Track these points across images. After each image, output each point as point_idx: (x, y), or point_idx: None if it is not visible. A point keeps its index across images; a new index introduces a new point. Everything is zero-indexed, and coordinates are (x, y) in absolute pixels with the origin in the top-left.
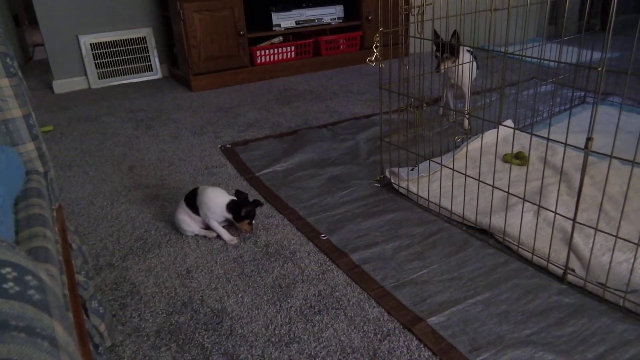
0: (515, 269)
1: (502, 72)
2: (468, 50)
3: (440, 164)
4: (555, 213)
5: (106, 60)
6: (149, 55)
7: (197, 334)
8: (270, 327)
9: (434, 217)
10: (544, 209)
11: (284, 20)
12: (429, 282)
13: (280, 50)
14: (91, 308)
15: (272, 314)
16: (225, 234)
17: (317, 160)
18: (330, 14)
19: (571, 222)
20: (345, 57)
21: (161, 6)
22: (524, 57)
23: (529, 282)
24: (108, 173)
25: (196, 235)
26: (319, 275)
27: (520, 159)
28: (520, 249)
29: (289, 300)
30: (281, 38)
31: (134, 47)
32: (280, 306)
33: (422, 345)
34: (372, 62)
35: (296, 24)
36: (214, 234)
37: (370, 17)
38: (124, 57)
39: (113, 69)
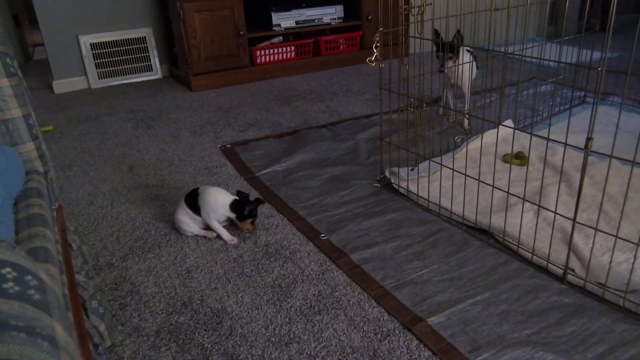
0: (515, 269)
1: (502, 72)
2: (468, 50)
3: (440, 164)
4: (555, 213)
5: (106, 60)
6: (149, 55)
7: (197, 334)
8: (270, 327)
9: (434, 217)
10: (544, 209)
11: (284, 20)
12: (429, 282)
13: (280, 50)
14: (91, 308)
15: (272, 314)
16: (225, 234)
17: (317, 160)
18: (330, 14)
19: (571, 222)
20: (345, 57)
21: (161, 6)
22: (524, 57)
23: (529, 282)
24: (108, 173)
25: (196, 235)
26: (319, 275)
27: (520, 159)
28: (520, 249)
29: (289, 300)
30: (281, 38)
31: (133, 47)
32: (280, 306)
33: (422, 345)
34: (372, 62)
35: (296, 24)
36: (214, 234)
37: (370, 17)
38: (124, 57)
39: (113, 69)
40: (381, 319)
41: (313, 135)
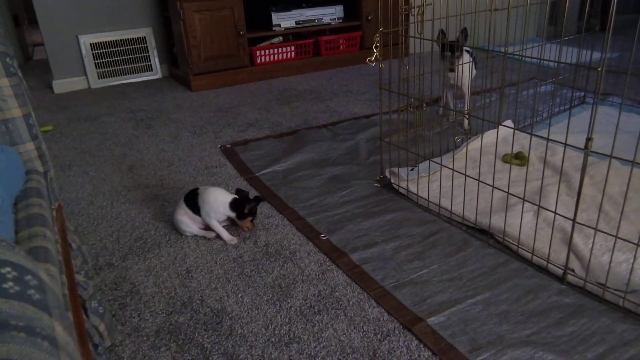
0: (515, 269)
1: (502, 72)
2: (467, 51)
3: (440, 164)
4: (555, 213)
5: (106, 60)
6: (148, 55)
7: (196, 334)
8: (270, 327)
9: (433, 217)
10: (543, 209)
11: (284, 20)
12: (428, 282)
13: (280, 50)
14: (91, 308)
15: (272, 314)
16: (225, 234)
17: (317, 160)
18: (330, 14)
19: (571, 222)
20: (345, 57)
21: (161, 6)
22: (523, 57)
23: (528, 282)
24: (108, 173)
25: (195, 235)
26: (318, 275)
27: (520, 159)
28: (520, 249)
29: (288, 300)
30: (281, 38)
31: (133, 47)
32: (280, 306)
33: (422, 345)
34: (372, 62)
35: (296, 24)
36: (213, 234)
37: (370, 17)
38: (123, 57)
39: (113, 68)
40: (381, 319)
41: (313, 135)
